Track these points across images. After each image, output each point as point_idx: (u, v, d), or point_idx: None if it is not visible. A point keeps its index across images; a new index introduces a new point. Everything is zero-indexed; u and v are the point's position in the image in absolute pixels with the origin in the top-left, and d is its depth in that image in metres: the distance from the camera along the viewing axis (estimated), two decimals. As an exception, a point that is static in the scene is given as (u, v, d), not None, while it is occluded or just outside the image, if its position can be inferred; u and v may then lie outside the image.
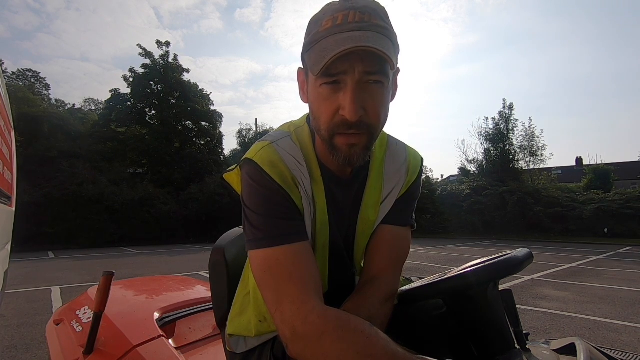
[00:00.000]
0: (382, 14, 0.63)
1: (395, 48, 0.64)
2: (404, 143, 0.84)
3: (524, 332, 0.72)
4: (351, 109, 0.60)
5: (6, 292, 1.90)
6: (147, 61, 18.36)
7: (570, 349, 0.66)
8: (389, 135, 0.83)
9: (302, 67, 0.71)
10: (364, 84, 0.61)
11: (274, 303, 0.61)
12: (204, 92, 20.07)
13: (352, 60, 0.58)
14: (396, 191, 0.78)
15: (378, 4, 0.64)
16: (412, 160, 0.81)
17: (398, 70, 0.70)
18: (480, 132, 19.29)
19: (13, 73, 26.24)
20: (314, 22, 0.65)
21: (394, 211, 0.78)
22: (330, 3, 0.65)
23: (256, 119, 37.24)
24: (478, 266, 0.68)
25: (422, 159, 0.83)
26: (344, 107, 0.61)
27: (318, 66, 0.60)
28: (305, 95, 0.70)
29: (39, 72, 29.26)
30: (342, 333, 0.55)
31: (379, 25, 0.61)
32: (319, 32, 0.62)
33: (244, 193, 0.68)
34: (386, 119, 0.66)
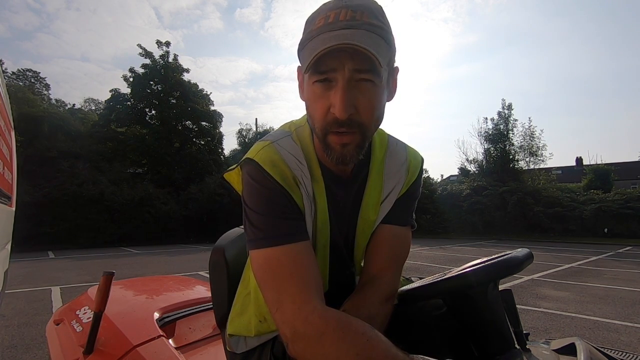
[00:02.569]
0: (376, 12, 0.62)
1: (390, 47, 0.63)
2: (404, 143, 0.84)
3: (524, 332, 0.72)
4: (340, 107, 0.60)
5: (6, 292, 1.90)
6: (147, 61, 18.36)
7: (570, 349, 0.66)
8: (389, 135, 0.83)
9: (300, 65, 0.71)
10: (355, 82, 0.61)
11: (275, 303, 0.61)
12: (204, 92, 20.07)
13: (342, 58, 0.59)
14: (396, 191, 0.78)
15: (373, 2, 0.64)
16: (412, 160, 0.81)
17: (397, 69, 0.70)
18: (480, 132, 19.31)
19: (13, 73, 26.24)
20: (309, 21, 0.65)
21: (394, 211, 0.78)
22: (326, 2, 0.65)
23: (256, 119, 37.24)
24: (478, 266, 0.68)
25: (422, 159, 0.83)
26: (334, 105, 0.61)
27: (306, 64, 0.60)
28: (303, 93, 0.70)
29: (39, 72, 29.24)
30: (342, 334, 0.55)
31: (371, 24, 0.60)
32: (312, 31, 0.62)
33: (245, 192, 0.68)
34: (380, 118, 0.66)
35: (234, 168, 0.75)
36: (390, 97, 0.70)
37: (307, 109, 0.68)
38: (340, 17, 0.60)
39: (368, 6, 0.62)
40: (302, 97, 0.71)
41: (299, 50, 0.67)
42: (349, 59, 0.59)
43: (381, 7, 0.64)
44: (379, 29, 0.61)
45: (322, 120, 0.63)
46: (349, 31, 0.59)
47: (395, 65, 0.69)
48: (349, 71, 0.59)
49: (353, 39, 0.57)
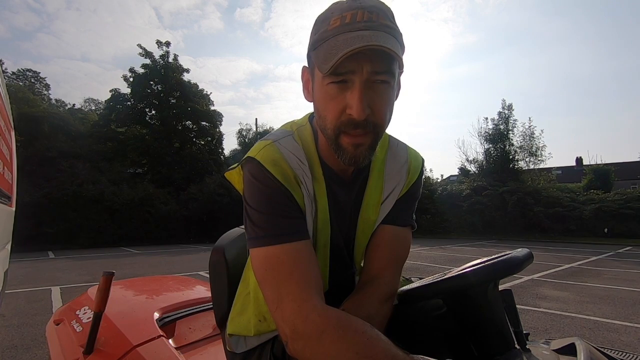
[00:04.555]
0: (389, 14, 0.63)
1: (402, 48, 0.64)
2: (405, 144, 0.84)
3: (524, 332, 0.72)
4: (358, 107, 0.60)
5: (6, 292, 1.90)
6: (147, 61, 18.37)
7: (570, 349, 0.66)
8: (390, 136, 0.83)
9: (306, 65, 0.70)
10: (371, 84, 0.61)
11: (275, 301, 0.61)
12: (204, 92, 20.07)
13: (360, 59, 0.59)
14: (397, 191, 0.78)
15: (384, 4, 0.64)
16: (412, 161, 0.81)
17: (402, 70, 0.70)
18: (480, 132, 19.28)
19: (13, 73, 26.32)
20: (322, 21, 0.65)
21: (394, 211, 0.78)
22: (337, 2, 0.65)
23: (256, 119, 37.27)
24: (478, 266, 0.68)
25: (422, 160, 0.84)
26: (351, 106, 0.61)
27: (327, 64, 0.59)
28: (309, 94, 0.70)
29: (39, 72, 29.41)
30: (342, 333, 0.55)
31: (387, 25, 0.61)
32: (327, 31, 0.62)
33: (246, 191, 0.68)
34: (391, 119, 0.67)
35: (235, 167, 0.75)
36: (396, 97, 0.70)
37: (317, 109, 0.68)
38: (357, 18, 0.60)
39: (382, 8, 0.62)
40: (308, 97, 0.71)
41: (310, 50, 0.67)
42: (368, 61, 0.59)
43: (391, 10, 0.65)
44: (393, 31, 0.62)
45: (336, 120, 0.63)
46: (368, 32, 0.59)
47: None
48: (367, 72, 0.59)
49: (378, 40, 0.57)
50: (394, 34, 0.61)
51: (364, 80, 0.60)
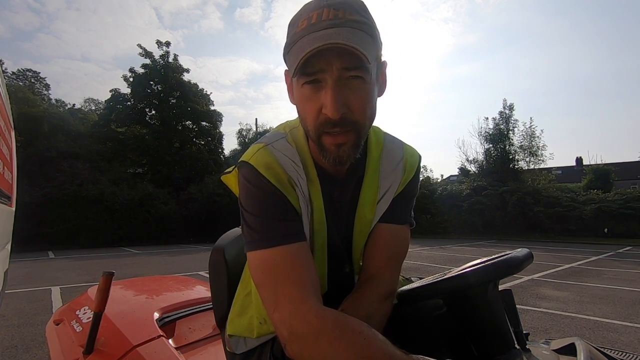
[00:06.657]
0: (358, 8, 0.62)
1: (375, 41, 0.63)
2: (401, 141, 0.83)
3: (524, 332, 0.72)
4: (332, 107, 0.59)
5: (6, 292, 1.90)
6: (147, 61, 18.39)
7: (570, 349, 0.66)
8: (385, 133, 0.82)
9: (287, 69, 0.70)
10: (345, 80, 0.60)
11: (272, 303, 0.61)
12: (204, 92, 20.10)
13: (329, 58, 0.58)
14: (393, 189, 0.78)
15: None
16: (408, 158, 0.80)
17: (385, 63, 0.69)
18: (480, 132, 19.28)
19: (13, 73, 26.27)
20: (292, 24, 0.65)
21: (391, 210, 0.78)
22: (307, 3, 0.65)
23: (256, 119, 37.25)
24: (478, 266, 0.68)
25: (419, 157, 0.83)
26: (326, 106, 0.60)
27: (293, 67, 0.60)
28: (292, 96, 0.70)
29: (39, 72, 29.31)
30: (339, 333, 0.54)
31: (355, 20, 0.60)
32: (296, 33, 0.62)
33: (241, 195, 0.68)
34: (373, 114, 0.66)
35: (230, 170, 0.75)
36: (380, 92, 0.69)
37: (298, 111, 0.68)
38: (322, 16, 0.60)
39: (349, 3, 0.61)
40: (292, 100, 0.70)
41: (284, 54, 0.66)
42: (337, 58, 0.58)
43: (362, 2, 0.64)
44: (362, 25, 0.61)
45: (315, 121, 0.63)
46: (332, 30, 0.58)
47: (383, 59, 0.68)
48: (337, 70, 0.59)
49: (338, 38, 0.57)
50: (363, 27, 0.60)
51: (336, 78, 0.59)
